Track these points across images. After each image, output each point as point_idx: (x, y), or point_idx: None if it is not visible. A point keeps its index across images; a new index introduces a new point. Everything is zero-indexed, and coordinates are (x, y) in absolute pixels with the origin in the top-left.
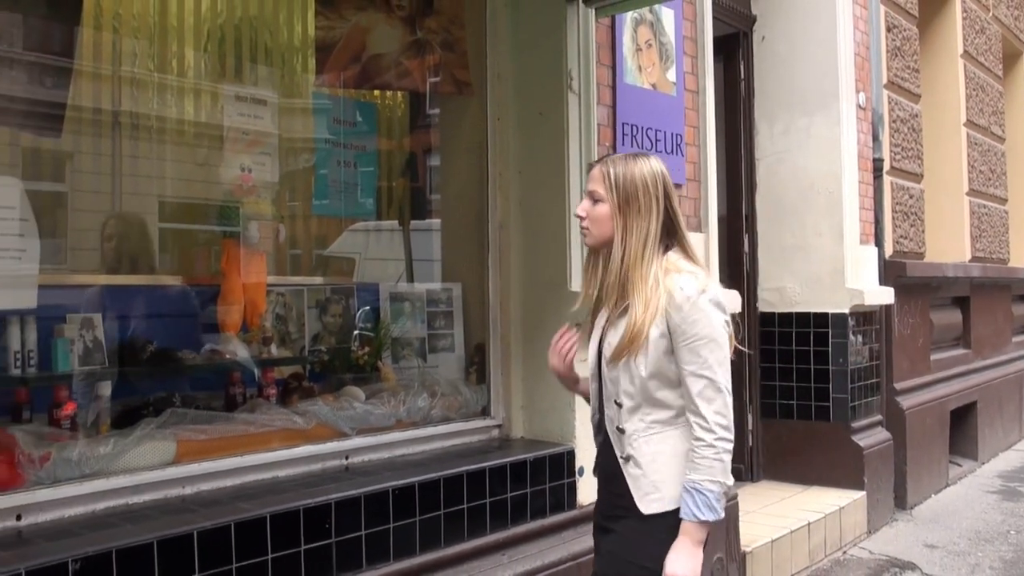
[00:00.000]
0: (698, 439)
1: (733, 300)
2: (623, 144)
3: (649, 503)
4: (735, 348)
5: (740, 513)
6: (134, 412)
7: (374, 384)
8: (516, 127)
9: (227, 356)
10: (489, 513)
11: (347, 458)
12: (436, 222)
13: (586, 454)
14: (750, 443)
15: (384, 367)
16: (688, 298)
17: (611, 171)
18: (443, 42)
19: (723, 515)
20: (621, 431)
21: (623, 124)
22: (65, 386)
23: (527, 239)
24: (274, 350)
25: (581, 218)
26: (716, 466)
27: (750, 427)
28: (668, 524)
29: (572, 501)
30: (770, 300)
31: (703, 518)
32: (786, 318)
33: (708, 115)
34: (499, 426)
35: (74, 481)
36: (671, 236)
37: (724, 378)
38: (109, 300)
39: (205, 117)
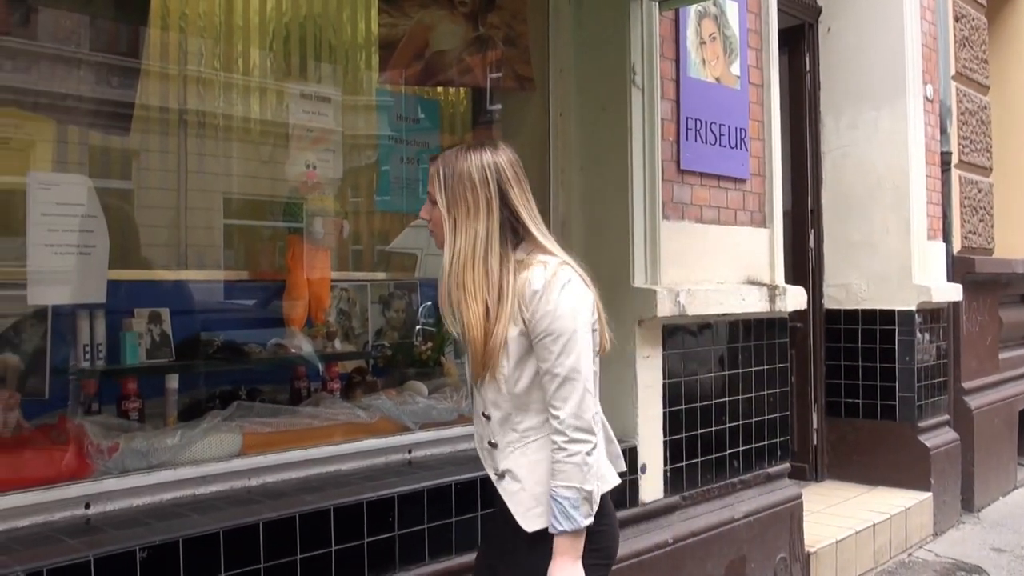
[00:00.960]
0: (554, 442)
1: (798, 296)
2: (686, 139)
3: (532, 518)
4: (607, 342)
5: (804, 513)
6: (201, 405)
7: (436, 379)
8: (578, 122)
9: (292, 350)
10: None
11: (410, 452)
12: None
13: (649, 451)
14: (815, 442)
15: (446, 362)
16: (535, 292)
17: (441, 170)
18: (505, 38)
19: (583, 523)
20: (493, 445)
21: (687, 118)
22: (133, 379)
23: (589, 235)
24: (338, 345)
25: (427, 221)
26: (570, 470)
27: (815, 426)
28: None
29: (634, 498)
30: (836, 297)
31: (560, 528)
32: (852, 315)
33: (773, 109)
34: None
35: (142, 472)
36: (518, 232)
37: (579, 372)
38: (176, 295)
39: (270, 115)
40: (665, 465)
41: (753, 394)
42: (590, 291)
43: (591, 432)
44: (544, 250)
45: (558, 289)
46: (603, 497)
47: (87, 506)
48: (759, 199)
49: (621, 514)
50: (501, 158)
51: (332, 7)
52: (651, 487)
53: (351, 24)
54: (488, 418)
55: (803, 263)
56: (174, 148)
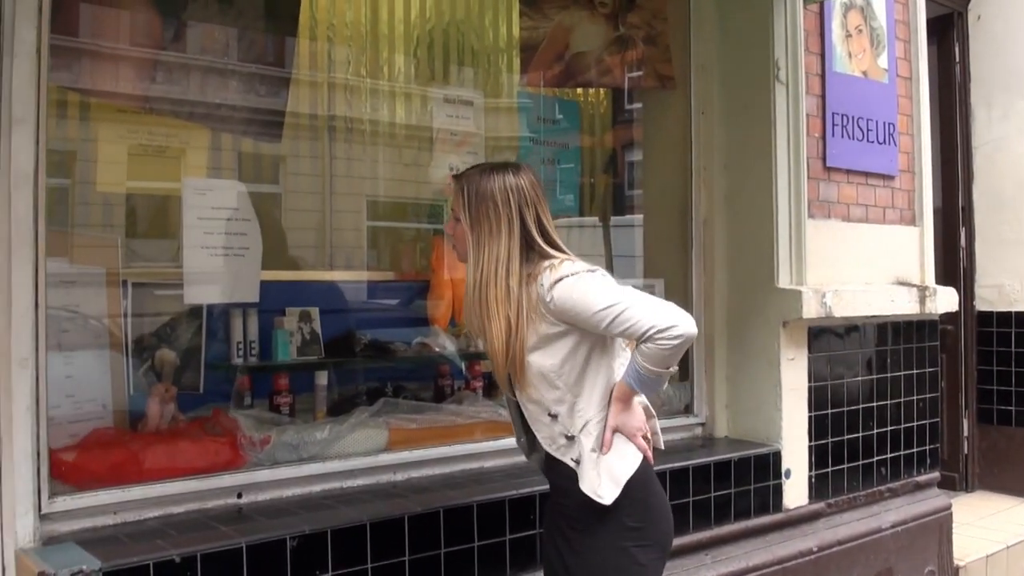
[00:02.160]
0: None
1: (949, 298)
2: (832, 135)
3: (606, 490)
4: None
5: (954, 525)
6: (348, 400)
7: None
8: (721, 120)
9: (436, 349)
10: (692, 512)
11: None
12: (637, 218)
13: (793, 456)
14: (965, 451)
15: None
16: (545, 290)
17: (465, 188)
18: (646, 37)
19: (646, 393)
20: (571, 439)
21: (833, 114)
22: (284, 374)
23: (732, 235)
24: (480, 344)
25: (450, 236)
26: (661, 354)
27: (965, 433)
28: (614, 518)
29: (778, 504)
30: (988, 298)
31: (631, 385)
32: (1005, 318)
33: (922, 102)
34: (702, 424)
35: (292, 464)
36: (535, 250)
37: (626, 297)
38: (325, 294)
39: (414, 119)
40: (810, 471)
41: (902, 399)
42: (600, 275)
43: (678, 319)
44: (550, 256)
45: (568, 277)
46: (648, 488)
47: (239, 495)
48: (908, 196)
49: (764, 520)
50: (523, 180)
51: (474, 12)
52: (795, 493)
53: (492, 28)
54: (555, 417)
55: (954, 263)
56: (321, 153)
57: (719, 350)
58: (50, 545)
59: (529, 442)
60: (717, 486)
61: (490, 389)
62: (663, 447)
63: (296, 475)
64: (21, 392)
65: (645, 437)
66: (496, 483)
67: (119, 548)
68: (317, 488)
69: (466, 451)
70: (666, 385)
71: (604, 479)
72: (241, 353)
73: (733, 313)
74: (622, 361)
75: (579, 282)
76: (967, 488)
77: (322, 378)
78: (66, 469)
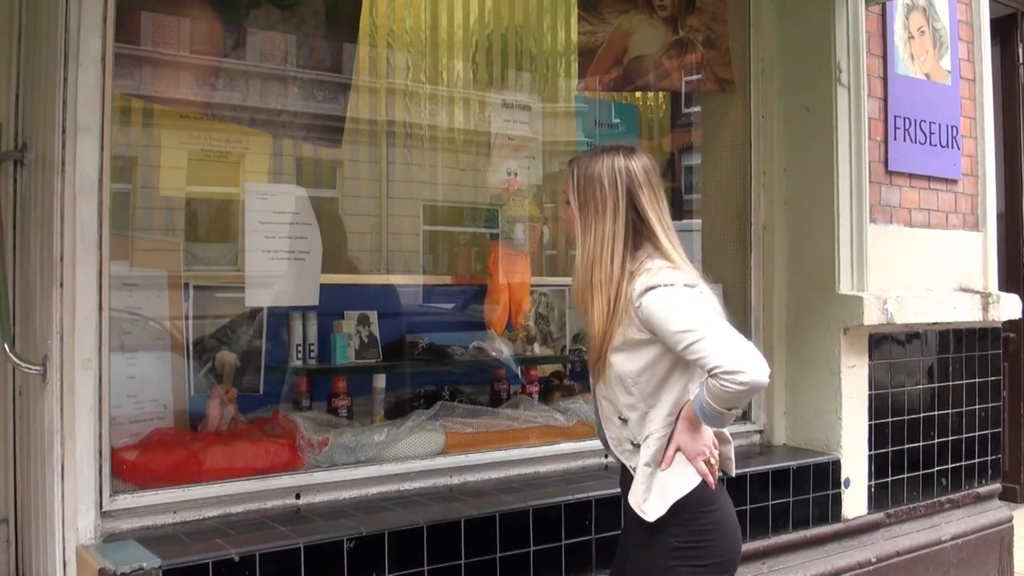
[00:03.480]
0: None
1: (1013, 305)
2: (894, 139)
3: (651, 507)
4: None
5: (1015, 538)
6: (406, 404)
7: None
8: (781, 123)
9: (492, 353)
10: (749, 520)
11: (606, 457)
12: (695, 222)
13: (853, 465)
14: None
15: None
16: (638, 295)
17: (575, 171)
18: (705, 40)
19: (716, 426)
20: (636, 446)
21: (895, 117)
22: (343, 377)
23: (792, 239)
24: (536, 349)
25: (563, 220)
26: (723, 395)
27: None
28: (666, 532)
29: (837, 513)
30: None
31: (696, 413)
32: None
33: (986, 104)
34: (760, 431)
35: (349, 466)
36: (643, 235)
37: (708, 326)
38: (382, 298)
39: (473, 124)
40: (869, 480)
41: (963, 408)
42: (699, 287)
43: (749, 365)
44: (663, 255)
45: (661, 286)
46: (704, 511)
47: (298, 496)
48: (971, 201)
49: (822, 529)
50: (634, 163)
51: (532, 17)
52: (854, 502)
53: (551, 33)
54: (625, 421)
55: (1017, 269)
56: (379, 158)
57: (778, 356)
58: (111, 542)
59: (603, 439)
60: (775, 494)
61: (546, 394)
62: (733, 474)
63: (353, 477)
64: (84, 392)
65: (709, 462)
66: (552, 488)
67: (178, 546)
68: (374, 490)
69: (522, 455)
70: (729, 423)
71: (653, 495)
72: (300, 356)
73: (792, 319)
74: (699, 384)
75: (669, 296)
76: None
77: (380, 381)
78: (127, 468)
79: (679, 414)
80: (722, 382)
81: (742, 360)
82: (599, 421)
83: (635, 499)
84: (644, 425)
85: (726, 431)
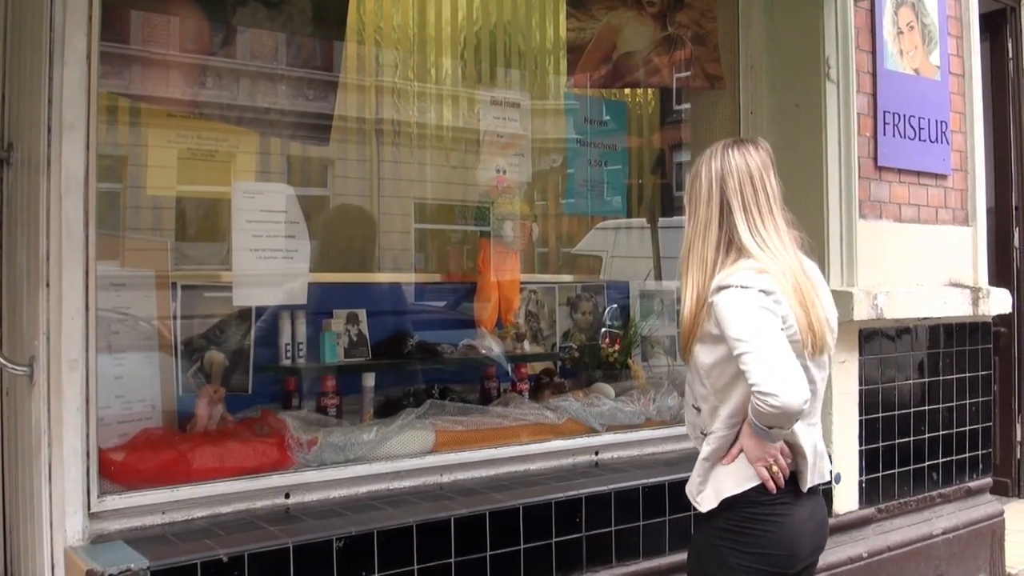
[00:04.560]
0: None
1: (1003, 299)
2: (884, 134)
3: (704, 499)
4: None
5: (1007, 532)
6: (395, 402)
7: (624, 381)
8: (771, 120)
9: (482, 351)
10: None
11: (597, 454)
12: (685, 219)
13: (844, 460)
14: (1018, 455)
15: (634, 365)
16: (715, 295)
17: (692, 169)
18: (694, 36)
19: (774, 440)
20: (706, 435)
21: (884, 112)
22: (332, 376)
23: None
24: (526, 346)
25: None
26: (759, 412)
27: (1018, 438)
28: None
29: (828, 509)
30: None
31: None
32: None
33: (975, 100)
34: None
35: (338, 465)
36: (733, 226)
37: (757, 341)
38: (372, 296)
39: (462, 122)
40: (860, 475)
41: (954, 403)
42: (773, 295)
43: (778, 393)
44: (748, 254)
45: (729, 289)
46: (757, 511)
47: (287, 496)
48: (961, 196)
49: None
50: (732, 154)
51: (521, 14)
52: (846, 498)
53: (540, 29)
54: (698, 411)
55: (1007, 263)
56: (368, 156)
57: None
58: (99, 543)
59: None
60: None
61: (536, 391)
62: (804, 489)
63: (343, 476)
64: (72, 393)
65: (771, 468)
66: (542, 486)
67: (167, 547)
68: (364, 489)
69: (512, 453)
70: (776, 440)
71: (708, 488)
72: (289, 355)
73: None
74: None
75: (736, 299)
76: (1020, 494)
77: (369, 380)
78: (115, 469)
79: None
80: (757, 400)
81: (778, 384)
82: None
83: (690, 488)
84: (713, 419)
85: (803, 445)
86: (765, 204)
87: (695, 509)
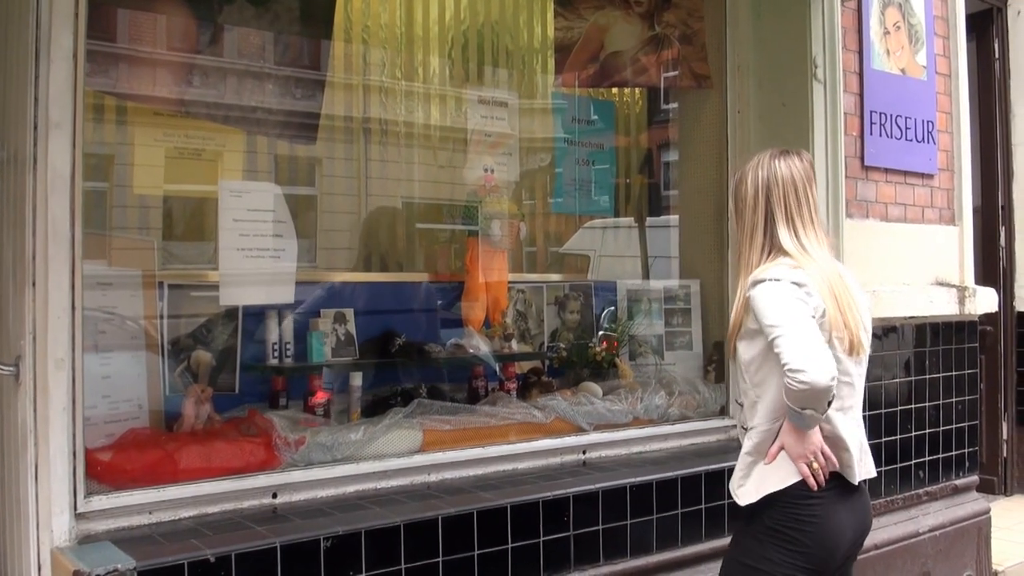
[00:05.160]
0: None
1: (989, 298)
2: (870, 134)
3: (743, 494)
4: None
5: (992, 529)
6: (383, 402)
7: (611, 381)
8: (758, 119)
9: (470, 351)
10: (727, 515)
11: (584, 453)
12: (673, 218)
13: None
14: (1004, 453)
15: (621, 364)
16: (751, 289)
17: (741, 169)
18: (681, 36)
19: (810, 425)
20: (746, 429)
21: (871, 112)
22: (319, 376)
23: None
24: (514, 345)
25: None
26: (791, 394)
27: (1004, 436)
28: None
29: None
30: None
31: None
32: None
33: (961, 99)
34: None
35: (326, 465)
36: (775, 232)
37: (786, 323)
38: (360, 296)
39: (449, 121)
40: None
41: (940, 401)
42: (805, 287)
43: (806, 370)
44: (786, 252)
45: (763, 283)
46: (799, 506)
47: (274, 495)
48: (947, 195)
49: None
50: (779, 163)
51: (509, 13)
52: None
53: (527, 29)
54: (741, 405)
55: (993, 263)
56: (356, 155)
57: None
58: (85, 544)
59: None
60: None
61: (524, 391)
62: (855, 482)
63: (330, 476)
64: (58, 392)
65: (812, 465)
66: (530, 485)
67: (154, 547)
68: (351, 489)
69: (500, 453)
70: (811, 425)
71: (750, 483)
72: (276, 354)
73: None
74: None
75: (770, 291)
76: (1006, 492)
77: (356, 379)
78: (102, 469)
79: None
80: (787, 379)
81: (806, 360)
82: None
83: (732, 483)
84: (753, 413)
85: (845, 437)
86: (807, 213)
87: (735, 503)
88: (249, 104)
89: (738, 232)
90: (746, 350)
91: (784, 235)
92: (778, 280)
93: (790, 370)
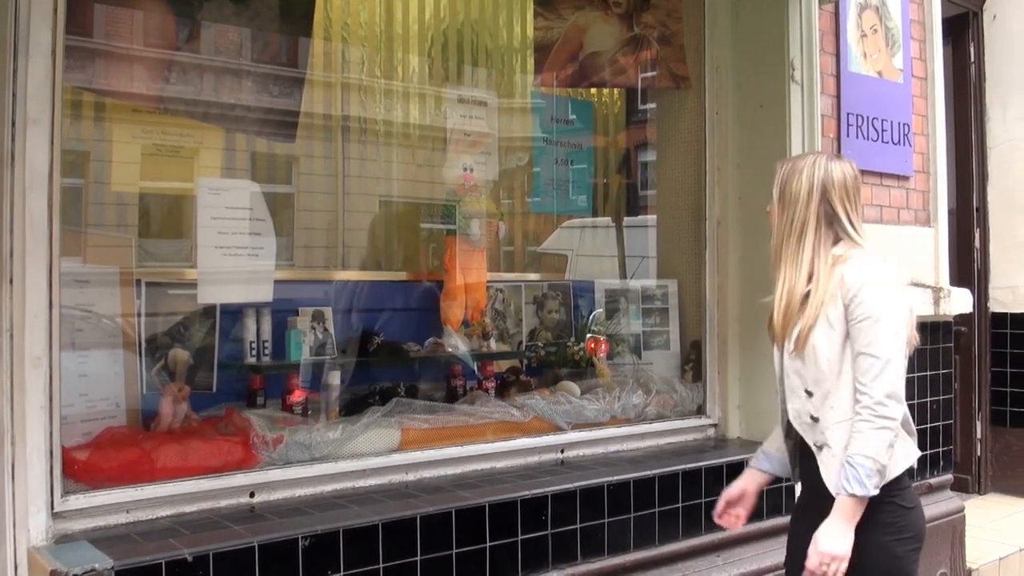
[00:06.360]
0: (858, 413)
1: (963, 299)
2: (847, 135)
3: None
4: (914, 340)
5: (967, 527)
6: (361, 400)
7: (589, 380)
8: (735, 120)
9: (448, 349)
10: (704, 513)
11: (562, 452)
12: (651, 218)
13: None
14: (978, 453)
15: (599, 363)
16: (855, 280)
17: (779, 170)
18: (660, 36)
19: (872, 492)
20: (815, 420)
21: (848, 114)
22: (297, 374)
23: (746, 235)
24: (493, 344)
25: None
26: (873, 442)
27: (978, 435)
28: (878, 509)
29: (790, 505)
30: (1002, 300)
31: (850, 491)
32: (1019, 319)
33: (937, 102)
34: (715, 425)
35: (304, 463)
36: (833, 227)
37: (890, 355)
38: (338, 294)
39: (429, 120)
40: None
41: (915, 401)
42: (905, 305)
43: (897, 411)
44: (860, 248)
45: (880, 279)
46: (908, 480)
47: (252, 495)
48: (923, 197)
49: (776, 521)
50: (833, 164)
51: (488, 12)
52: None
53: (507, 28)
54: (810, 394)
55: (968, 264)
56: (334, 153)
57: (732, 350)
58: (62, 543)
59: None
60: None
61: (502, 390)
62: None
63: (308, 475)
64: (34, 391)
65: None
66: (508, 484)
67: (131, 547)
68: (329, 488)
69: (478, 451)
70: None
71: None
72: (254, 353)
73: (747, 314)
74: None
75: (884, 307)
76: (980, 491)
77: (335, 378)
78: (79, 468)
79: None
80: (865, 410)
81: (899, 402)
82: (783, 393)
83: (834, 478)
84: (825, 404)
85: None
86: (858, 215)
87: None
88: (228, 101)
89: (781, 226)
90: (825, 340)
91: (851, 231)
92: (887, 286)
93: (874, 400)
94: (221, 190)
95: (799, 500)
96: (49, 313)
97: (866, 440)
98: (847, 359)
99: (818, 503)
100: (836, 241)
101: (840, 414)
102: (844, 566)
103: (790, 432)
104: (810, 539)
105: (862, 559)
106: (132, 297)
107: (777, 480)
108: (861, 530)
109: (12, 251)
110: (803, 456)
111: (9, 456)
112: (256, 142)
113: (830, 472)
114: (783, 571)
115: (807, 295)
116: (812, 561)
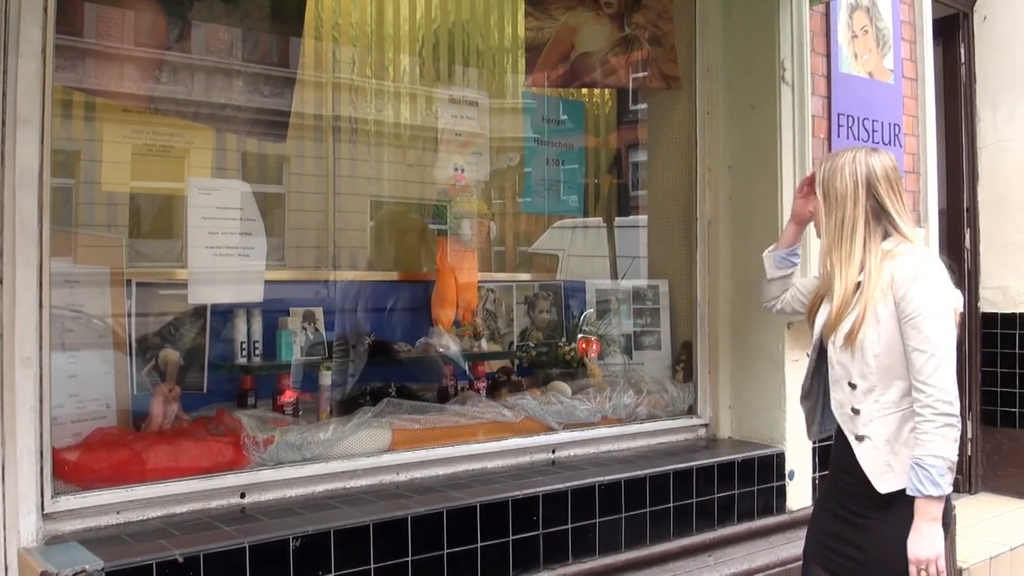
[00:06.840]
0: (919, 414)
1: (956, 299)
2: (838, 136)
3: (884, 481)
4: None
5: (957, 527)
6: (352, 401)
7: (580, 380)
8: (726, 121)
9: (439, 350)
10: (695, 513)
11: (553, 452)
12: (642, 219)
13: (796, 457)
14: (968, 452)
15: (590, 363)
16: (906, 277)
17: (821, 167)
18: (651, 37)
19: (947, 490)
20: (856, 412)
21: (838, 115)
22: (288, 375)
23: (737, 235)
24: (484, 344)
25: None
26: (938, 441)
27: (969, 435)
28: (908, 504)
29: (781, 505)
30: (992, 300)
31: (927, 493)
32: (1010, 319)
33: (928, 103)
34: (706, 425)
35: (295, 464)
36: (882, 222)
37: (945, 351)
38: (329, 294)
39: (419, 120)
40: (814, 472)
41: None
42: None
43: (956, 405)
44: (909, 242)
45: (931, 275)
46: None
47: (243, 495)
48: (913, 197)
49: (767, 521)
50: (874, 158)
51: (479, 12)
52: (799, 495)
53: (498, 28)
54: (854, 387)
55: (958, 264)
56: (325, 153)
57: (723, 350)
58: (53, 544)
59: (811, 404)
60: (720, 487)
61: (493, 390)
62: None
63: (299, 475)
64: (25, 391)
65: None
66: (499, 484)
67: (122, 548)
68: (320, 488)
69: (469, 452)
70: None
71: (895, 471)
72: (245, 353)
73: (738, 314)
74: None
75: (936, 303)
76: (970, 490)
77: (325, 378)
78: (69, 468)
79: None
80: (925, 408)
81: (955, 399)
82: (824, 386)
83: (873, 470)
84: (869, 396)
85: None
86: (904, 205)
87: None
88: (218, 101)
89: (830, 227)
90: (874, 334)
91: (901, 224)
92: (941, 270)
93: (935, 398)
94: (212, 190)
95: (826, 480)
96: (39, 313)
97: (932, 440)
98: (894, 355)
99: (842, 487)
100: (885, 236)
101: (883, 408)
102: (942, 563)
103: (809, 394)
104: (827, 521)
105: (898, 546)
106: (122, 297)
107: (769, 478)
108: (890, 518)
109: (2, 251)
110: (838, 442)
111: None
112: (247, 142)
113: (868, 463)
114: (774, 571)
115: (858, 288)
116: (912, 572)
